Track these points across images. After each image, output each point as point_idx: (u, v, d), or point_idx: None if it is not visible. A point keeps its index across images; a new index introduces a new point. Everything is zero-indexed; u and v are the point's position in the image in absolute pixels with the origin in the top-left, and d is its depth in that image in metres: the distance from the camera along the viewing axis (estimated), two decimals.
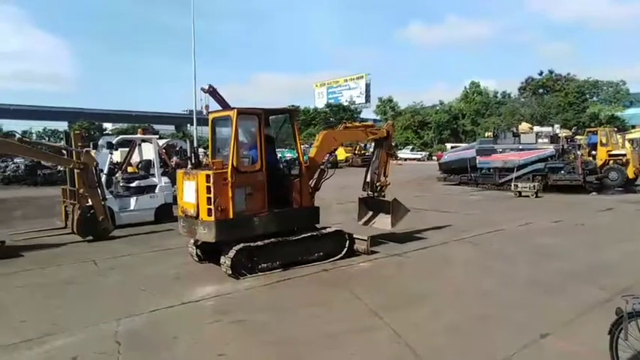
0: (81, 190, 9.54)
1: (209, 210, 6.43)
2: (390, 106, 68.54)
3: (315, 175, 7.89)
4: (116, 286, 6.60)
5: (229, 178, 6.46)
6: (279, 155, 8.88)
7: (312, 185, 7.81)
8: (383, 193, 8.99)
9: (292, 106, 72.44)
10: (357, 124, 10.48)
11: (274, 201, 7.06)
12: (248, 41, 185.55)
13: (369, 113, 74.70)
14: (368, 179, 9.08)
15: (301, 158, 7.51)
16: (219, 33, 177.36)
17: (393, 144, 9.52)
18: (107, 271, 7.40)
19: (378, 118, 70.80)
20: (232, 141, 6.61)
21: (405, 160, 49.47)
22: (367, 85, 75.43)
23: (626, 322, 3.16)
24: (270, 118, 7.72)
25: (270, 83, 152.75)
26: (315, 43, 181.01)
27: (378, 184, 8.92)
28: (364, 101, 74.39)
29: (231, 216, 6.54)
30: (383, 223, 8.71)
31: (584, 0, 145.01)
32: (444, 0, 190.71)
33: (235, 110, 6.76)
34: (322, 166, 7.99)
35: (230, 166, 6.51)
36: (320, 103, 75.72)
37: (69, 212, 10.10)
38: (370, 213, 9.04)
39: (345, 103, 70.77)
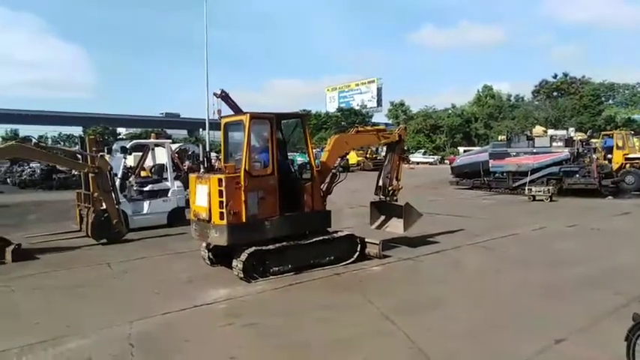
0: (95, 194, 9.66)
1: (221, 214, 6.48)
2: (402, 110, 68.31)
3: (327, 179, 7.87)
4: (129, 288, 6.66)
5: (242, 182, 6.50)
6: (291, 159, 8.87)
7: (323, 189, 7.80)
8: (395, 198, 8.95)
9: (304, 110, 72.81)
10: (369, 128, 10.43)
11: (286, 205, 7.07)
12: (261, 48, 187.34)
13: (380, 117, 74.55)
14: (380, 183, 9.02)
15: (312, 162, 7.50)
16: (232, 41, 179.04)
17: (405, 148, 9.26)
18: (121, 273, 7.48)
19: (390, 122, 70.56)
20: (245, 145, 6.66)
21: (418, 164, 49.15)
22: (379, 89, 75.25)
23: None
24: (282, 122, 7.75)
25: (282, 89, 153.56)
26: (327, 48, 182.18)
27: (390, 188, 8.86)
28: (376, 105, 74.25)
29: (243, 220, 6.56)
30: (395, 227, 8.64)
31: (595, 1, 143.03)
32: (456, 4, 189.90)
33: (248, 115, 6.81)
34: (334, 170, 7.98)
35: (243, 170, 6.55)
36: (331, 108, 75.80)
37: (83, 216, 10.23)
38: (382, 217, 8.98)
39: (357, 108, 70.74)
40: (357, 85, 78.82)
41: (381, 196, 8.97)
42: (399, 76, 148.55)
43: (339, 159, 8.22)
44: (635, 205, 15.27)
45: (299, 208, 7.34)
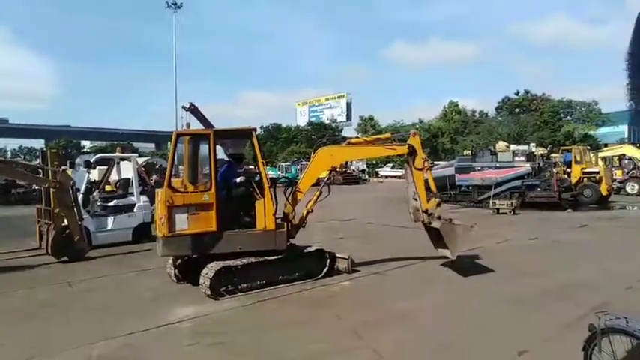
0: (56, 210, 9.34)
1: (160, 226, 6.69)
2: (371, 125, 69.23)
3: (309, 197, 7.66)
4: (91, 308, 6.43)
5: (165, 197, 6.57)
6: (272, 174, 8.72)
7: (308, 208, 7.67)
8: (431, 220, 7.78)
9: (273, 124, 72.77)
10: (367, 138, 9.41)
11: (228, 222, 6.94)
12: (233, 60, 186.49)
13: (350, 132, 75.26)
14: (411, 205, 7.97)
15: (264, 178, 7.11)
16: (204, 53, 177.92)
17: (424, 158, 8.00)
18: (82, 292, 7.23)
19: (359, 136, 71.34)
20: (169, 162, 6.97)
21: (386, 177, 49.89)
22: (348, 104, 76.22)
23: (599, 337, 3.22)
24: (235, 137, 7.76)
25: (254, 101, 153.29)
26: (300, 62, 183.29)
27: (424, 209, 7.76)
28: (345, 119, 75.07)
29: (169, 233, 6.60)
30: (445, 252, 7.83)
31: (560, 23, 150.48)
32: (427, 21, 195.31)
33: (175, 132, 7.16)
34: (321, 187, 7.80)
35: (165, 186, 6.69)
36: (302, 122, 76.13)
37: (43, 233, 9.85)
38: (437, 240, 8.04)
39: (327, 122, 71.28)
40: (327, 99, 79.64)
41: (422, 220, 7.94)
42: (370, 91, 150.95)
43: (328, 172, 7.91)
44: (593, 217, 15.91)
45: (244, 226, 7.11)
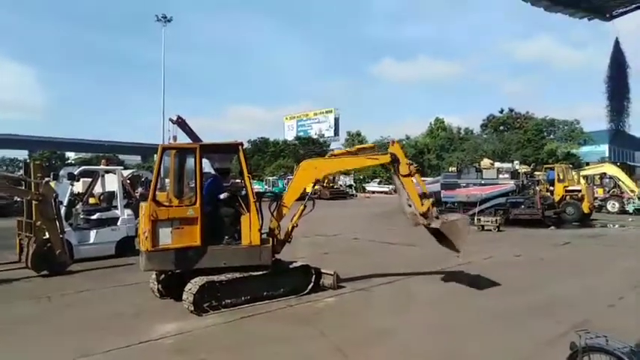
0: (38, 223, 9.18)
1: (143, 240, 6.63)
2: (358, 140, 69.72)
3: (292, 211, 7.63)
4: (71, 324, 6.29)
5: (149, 211, 6.52)
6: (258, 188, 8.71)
7: (293, 222, 7.62)
8: (430, 221, 7.76)
9: (261, 138, 72.84)
10: (349, 149, 9.49)
11: (212, 236, 6.92)
12: (221, 74, 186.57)
13: (338, 147, 75.62)
14: (408, 212, 7.99)
15: (250, 193, 7.08)
16: (191, 66, 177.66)
17: (408, 162, 8.01)
18: (62, 308, 7.08)
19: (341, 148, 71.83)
20: (154, 175, 6.95)
21: (373, 192, 50.13)
22: (336, 119, 76.76)
23: (580, 356, 3.25)
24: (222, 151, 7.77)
25: (241, 115, 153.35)
26: (288, 76, 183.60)
27: (420, 212, 7.76)
28: (333, 134, 75.51)
29: (152, 247, 6.54)
30: (452, 249, 7.88)
31: (544, 44, 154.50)
32: (415, 39, 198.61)
33: (160, 146, 7.16)
34: (305, 201, 7.76)
35: (150, 200, 6.64)
36: (290, 136, 76.39)
37: (24, 245, 9.65)
38: (439, 237, 8.07)
39: (315, 136, 71.62)
40: (315, 114, 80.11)
41: (421, 223, 7.90)
42: (358, 107, 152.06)
43: (311, 185, 7.87)
44: (575, 235, 16.14)
45: (229, 241, 7.08)
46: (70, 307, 7.10)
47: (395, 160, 7.93)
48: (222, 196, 7.23)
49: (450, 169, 29.21)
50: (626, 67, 6.14)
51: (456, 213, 7.83)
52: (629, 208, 24.14)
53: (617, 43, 6.38)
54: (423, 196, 7.94)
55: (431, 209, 7.75)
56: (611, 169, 27.81)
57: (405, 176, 7.89)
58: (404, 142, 64.87)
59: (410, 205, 7.90)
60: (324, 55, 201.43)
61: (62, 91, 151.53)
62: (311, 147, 65.94)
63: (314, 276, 7.70)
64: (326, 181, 40.32)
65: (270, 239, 7.29)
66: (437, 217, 7.76)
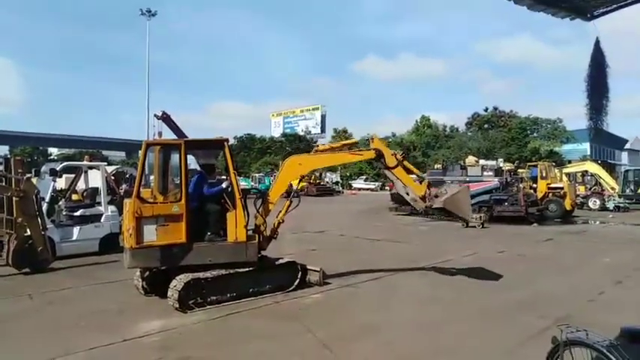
0: (19, 220, 9.01)
1: (127, 237, 6.55)
2: (344, 137, 69.87)
3: (280, 207, 7.65)
4: (53, 322, 6.20)
5: (133, 208, 6.46)
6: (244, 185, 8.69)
7: (278, 218, 7.62)
8: (431, 202, 7.83)
9: (248, 134, 72.55)
10: (333, 144, 9.50)
11: (198, 233, 6.90)
12: (206, 70, 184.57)
13: (324, 143, 75.80)
14: (410, 198, 8.02)
15: (236, 189, 7.08)
16: (176, 62, 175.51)
17: (392, 153, 8.15)
18: (44, 305, 6.97)
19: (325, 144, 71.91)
20: (139, 171, 6.87)
21: (359, 190, 50.32)
22: (323, 116, 76.83)
23: (562, 350, 3.31)
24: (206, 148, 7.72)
25: (227, 111, 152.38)
26: (273, 73, 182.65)
27: (420, 195, 7.85)
28: (319, 131, 75.52)
29: (137, 244, 6.49)
30: (462, 220, 8.28)
31: (526, 43, 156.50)
32: (400, 38, 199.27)
33: (145, 142, 7.10)
34: (290, 197, 7.77)
35: (134, 196, 6.57)
36: (276, 133, 76.23)
37: (4, 243, 9.46)
38: (447, 214, 8.35)
39: (301, 133, 71.55)
40: (302, 111, 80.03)
41: (426, 205, 8.00)
42: (344, 104, 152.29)
43: (297, 181, 7.87)
44: (557, 231, 16.42)
45: (213, 238, 7.05)
46: (52, 305, 6.99)
47: (380, 155, 8.02)
48: (224, 185, 7.22)
49: (436, 167, 29.46)
50: (606, 66, 6.27)
51: (453, 185, 7.88)
52: (610, 205, 24.64)
53: (597, 42, 6.52)
54: (418, 180, 8.05)
55: (428, 191, 7.84)
56: (593, 167, 28.37)
57: (394, 167, 7.97)
58: (390, 140, 65.16)
59: (408, 193, 7.99)
60: (311, 52, 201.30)
61: (44, 86, 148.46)
62: (298, 144, 65.88)
63: (300, 272, 7.70)
64: (313, 177, 40.37)
65: (256, 236, 7.27)
66: (436, 196, 7.80)
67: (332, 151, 8.55)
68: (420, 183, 8.05)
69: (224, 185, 7.27)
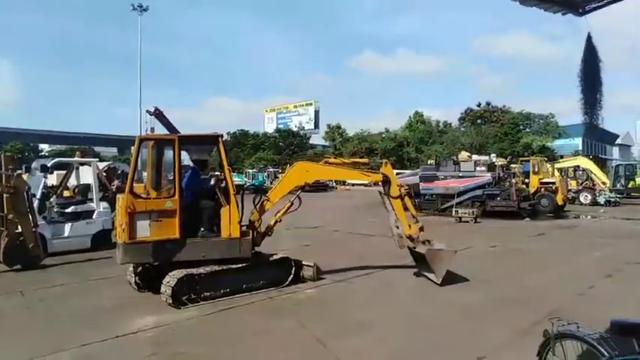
0: (10, 216, 8.94)
1: (120, 232, 6.53)
2: (338, 133, 69.85)
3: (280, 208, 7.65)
4: (44, 318, 6.17)
5: (126, 203, 6.44)
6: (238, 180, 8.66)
7: (276, 218, 7.67)
8: (416, 245, 7.84)
9: (241, 130, 72.26)
10: (344, 160, 9.42)
11: (191, 229, 6.88)
12: (199, 66, 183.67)
13: (318, 139, 75.74)
14: (395, 233, 8.03)
15: (230, 185, 7.07)
16: (169, 58, 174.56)
17: (399, 184, 8.14)
18: (35, 302, 6.93)
19: (327, 144, 71.90)
20: (131, 167, 6.84)
21: (353, 185, 50.26)
22: (316, 112, 76.78)
23: (553, 343, 3.34)
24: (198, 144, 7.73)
25: (220, 107, 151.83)
26: (267, 69, 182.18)
27: (408, 234, 7.85)
28: (313, 127, 75.46)
29: (129, 240, 6.47)
30: (431, 276, 7.71)
31: (521, 38, 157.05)
32: (396, 33, 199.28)
33: (138, 137, 7.03)
34: (292, 199, 7.78)
35: (127, 192, 6.54)
36: (270, 128, 76.05)
37: None
38: (420, 262, 8.06)
39: (295, 129, 71.43)
40: (295, 107, 79.94)
41: (409, 246, 7.97)
42: (338, 99, 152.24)
43: (295, 187, 7.70)
44: (549, 226, 16.54)
45: (205, 233, 7.04)
46: (43, 302, 6.95)
47: (386, 181, 8.01)
48: (212, 182, 7.25)
49: (429, 162, 29.60)
50: (598, 61, 6.31)
51: (443, 244, 7.80)
52: (601, 199, 24.83)
53: (589, 38, 6.56)
54: (413, 219, 7.96)
55: (418, 233, 7.78)
56: (584, 162, 28.57)
57: (395, 198, 7.94)
58: (383, 135, 65.28)
59: (397, 227, 7.99)
60: (304, 48, 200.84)
61: (35, 82, 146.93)
62: (291, 139, 65.78)
63: (294, 268, 7.71)
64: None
65: (250, 232, 7.26)
66: (424, 243, 7.80)
67: (342, 166, 8.48)
68: (416, 222, 7.90)
69: (212, 182, 7.30)
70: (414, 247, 7.89)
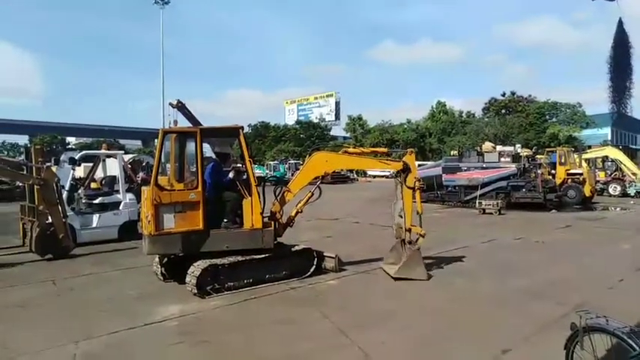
0: (40, 207, 9.21)
1: (146, 224, 6.64)
2: (359, 124, 69.45)
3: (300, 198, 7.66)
4: (75, 306, 6.36)
5: (152, 195, 6.52)
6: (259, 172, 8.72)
7: (298, 209, 7.71)
8: (411, 242, 7.85)
9: (262, 122, 72.54)
10: (364, 149, 9.37)
11: (215, 220, 6.96)
12: (219, 59, 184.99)
13: (339, 131, 75.51)
14: (395, 222, 8.07)
15: (252, 177, 7.12)
16: (189, 51, 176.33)
17: (417, 176, 8.05)
18: (66, 291, 7.14)
19: (348, 135, 71.61)
20: (156, 159, 6.90)
21: (374, 177, 50.07)
22: (337, 103, 76.46)
23: (581, 336, 3.28)
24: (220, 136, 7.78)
25: (240, 100, 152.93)
26: (287, 61, 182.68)
27: (407, 228, 7.85)
28: (334, 119, 75.22)
29: (156, 231, 6.54)
30: (390, 267, 7.81)
31: (545, 25, 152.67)
32: (417, 22, 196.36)
33: (161, 130, 7.09)
34: (312, 190, 7.78)
35: (152, 184, 6.62)
36: (290, 120, 76.18)
37: (27, 230, 9.72)
38: (392, 254, 8.16)
39: (316, 121, 71.35)
40: (316, 98, 79.77)
41: (403, 238, 7.94)
42: (358, 90, 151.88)
43: (316, 178, 7.73)
44: (576, 218, 16.16)
45: (228, 225, 7.12)
46: (74, 291, 7.16)
47: (406, 169, 7.95)
48: (231, 175, 7.31)
49: (452, 153, 29.18)
50: (629, 47, 6.07)
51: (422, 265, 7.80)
52: (631, 191, 24.14)
53: (620, 23, 6.31)
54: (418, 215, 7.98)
55: (417, 235, 7.84)
56: (613, 153, 27.74)
57: (409, 188, 7.89)
58: (405, 126, 64.65)
59: (401, 217, 7.94)
60: (325, 39, 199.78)
61: (62, 77, 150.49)
62: (312, 131, 65.74)
63: (316, 259, 7.75)
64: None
65: (272, 223, 7.32)
66: (417, 241, 7.85)
67: (361, 155, 8.44)
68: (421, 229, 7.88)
69: (231, 175, 7.37)
70: (409, 241, 7.89)
